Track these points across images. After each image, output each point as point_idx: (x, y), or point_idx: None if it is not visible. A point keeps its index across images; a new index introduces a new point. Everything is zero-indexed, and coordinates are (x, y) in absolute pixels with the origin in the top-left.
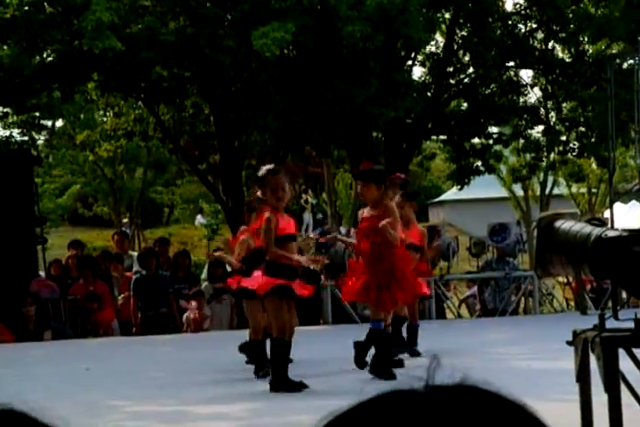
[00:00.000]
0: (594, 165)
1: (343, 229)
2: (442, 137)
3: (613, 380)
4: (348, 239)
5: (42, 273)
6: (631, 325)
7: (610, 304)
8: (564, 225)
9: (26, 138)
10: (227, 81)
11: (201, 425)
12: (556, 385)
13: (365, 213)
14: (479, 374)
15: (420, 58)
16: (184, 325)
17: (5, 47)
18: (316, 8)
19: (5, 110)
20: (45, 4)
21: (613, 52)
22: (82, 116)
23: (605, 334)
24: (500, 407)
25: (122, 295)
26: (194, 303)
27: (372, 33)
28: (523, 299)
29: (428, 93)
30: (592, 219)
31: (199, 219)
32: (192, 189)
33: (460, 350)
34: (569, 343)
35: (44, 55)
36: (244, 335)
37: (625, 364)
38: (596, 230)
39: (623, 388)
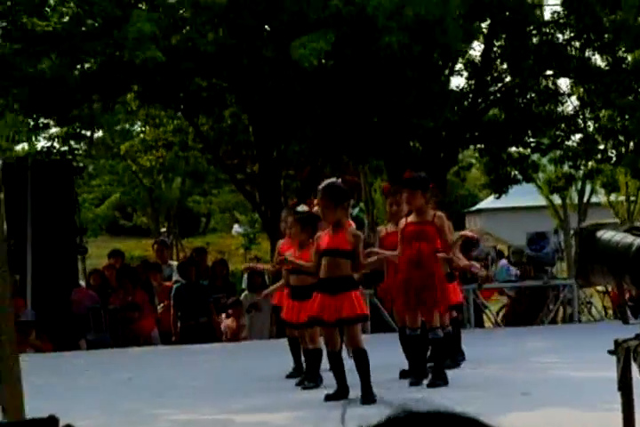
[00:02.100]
0: (629, 175)
1: None
2: (479, 146)
3: None
4: (388, 252)
5: (82, 283)
6: None
7: None
8: (606, 235)
9: (66, 148)
10: (265, 91)
11: None
12: (598, 395)
13: (410, 219)
14: (524, 383)
15: (457, 67)
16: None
17: (47, 60)
18: (354, 18)
19: (46, 121)
20: (85, 16)
21: None
22: (119, 127)
23: None
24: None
25: (161, 305)
26: (224, 316)
27: (410, 43)
28: (561, 307)
29: (466, 102)
30: (632, 228)
31: (236, 228)
32: (229, 199)
33: (501, 359)
34: (611, 353)
35: (85, 67)
36: (282, 344)
37: None
38: (638, 241)
39: None
